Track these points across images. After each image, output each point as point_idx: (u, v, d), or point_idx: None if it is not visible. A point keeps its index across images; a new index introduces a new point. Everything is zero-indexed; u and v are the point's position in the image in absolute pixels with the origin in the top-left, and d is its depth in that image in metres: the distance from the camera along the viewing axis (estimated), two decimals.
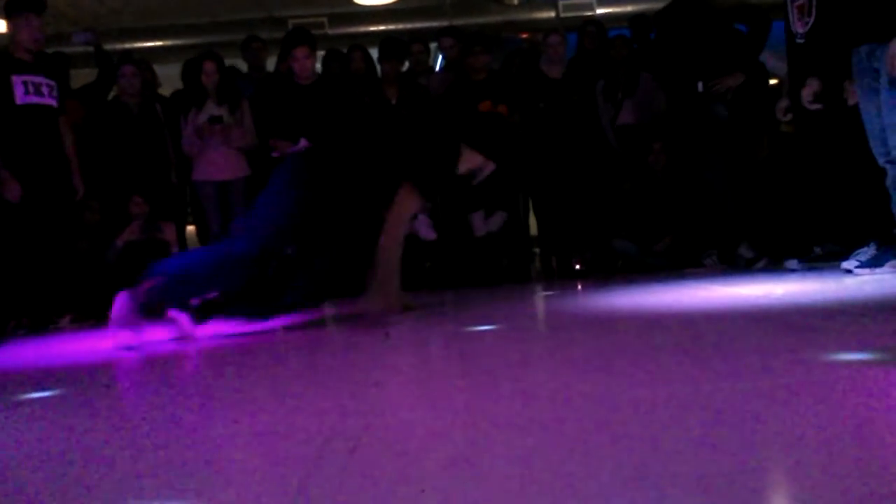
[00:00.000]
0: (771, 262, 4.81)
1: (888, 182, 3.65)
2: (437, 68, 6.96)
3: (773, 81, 5.76)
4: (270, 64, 6.45)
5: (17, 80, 4.60)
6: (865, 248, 3.83)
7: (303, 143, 5.38)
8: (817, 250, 4.53)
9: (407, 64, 6.20)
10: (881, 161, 3.65)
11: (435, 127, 3.68)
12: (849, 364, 1.84)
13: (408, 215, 3.45)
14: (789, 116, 4.57)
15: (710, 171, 5.18)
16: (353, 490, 1.17)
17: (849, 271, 3.80)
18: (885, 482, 1.02)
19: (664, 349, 2.31)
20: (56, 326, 4.59)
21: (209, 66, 5.44)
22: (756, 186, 5.24)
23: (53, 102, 4.74)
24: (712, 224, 5.42)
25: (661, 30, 5.53)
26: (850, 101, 3.90)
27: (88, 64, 6.40)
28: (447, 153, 3.46)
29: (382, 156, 3.41)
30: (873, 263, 3.74)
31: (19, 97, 4.61)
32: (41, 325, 4.57)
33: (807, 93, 3.97)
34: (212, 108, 5.43)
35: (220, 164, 5.43)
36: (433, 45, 6.92)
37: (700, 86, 5.13)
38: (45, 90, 4.70)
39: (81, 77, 6.42)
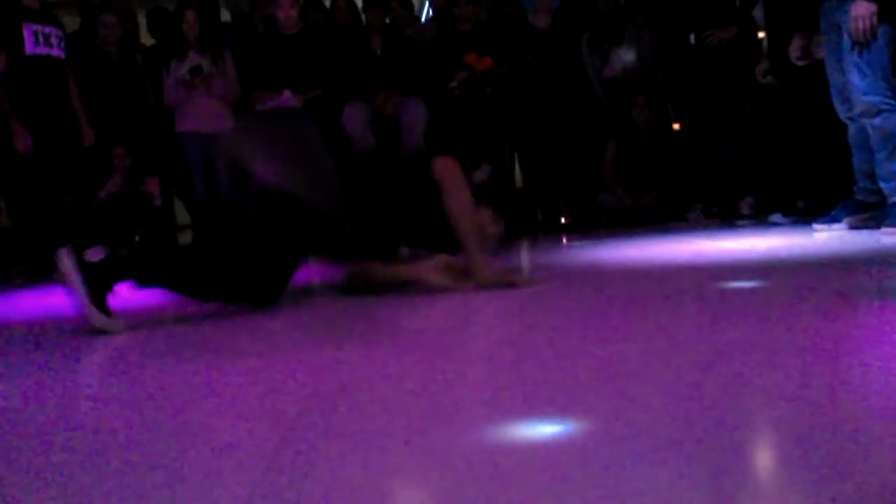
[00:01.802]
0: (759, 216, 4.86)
1: (850, 137, 3.71)
2: (424, 19, 6.88)
3: (761, 35, 5.73)
4: None
5: (27, 28, 4.48)
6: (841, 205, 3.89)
7: (286, 94, 5.32)
8: (800, 204, 4.56)
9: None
10: (842, 116, 3.73)
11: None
12: (825, 316, 1.86)
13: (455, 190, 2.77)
14: (769, 79, 4.59)
15: (708, 122, 5.20)
16: (337, 442, 1.18)
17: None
18: (856, 429, 1.05)
19: (645, 303, 2.33)
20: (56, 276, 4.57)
21: (190, 16, 5.34)
22: (743, 141, 5.26)
23: (62, 54, 4.64)
24: (701, 177, 5.43)
25: None
26: (817, 56, 3.93)
27: (70, 12, 6.28)
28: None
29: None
30: (831, 220, 3.81)
31: (28, 47, 4.50)
32: (42, 274, 4.55)
33: (794, 48, 3.98)
34: (194, 59, 5.35)
35: (203, 116, 5.36)
36: None
37: (692, 37, 5.14)
38: (54, 41, 4.59)
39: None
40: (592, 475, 0.96)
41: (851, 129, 3.72)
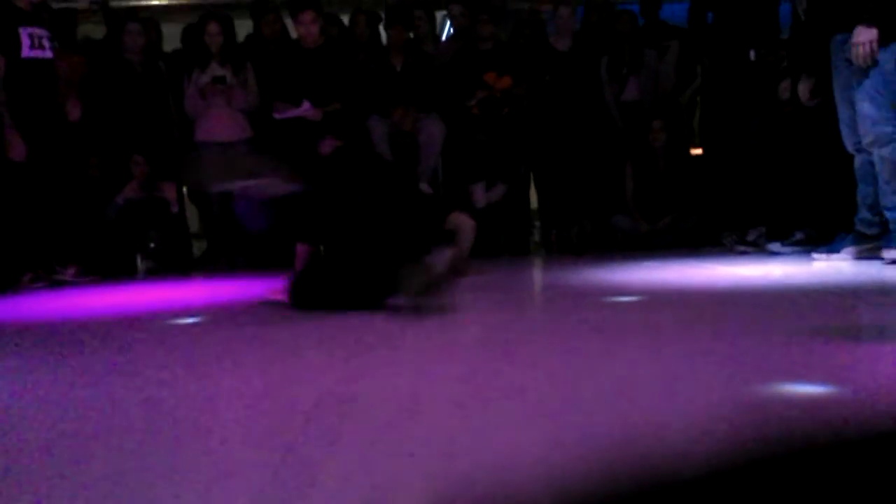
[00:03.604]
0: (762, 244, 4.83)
1: (856, 168, 3.75)
2: (444, 37, 6.91)
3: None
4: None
5: (23, 32, 4.52)
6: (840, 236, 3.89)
7: (306, 105, 5.35)
8: (799, 235, 4.54)
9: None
10: (849, 148, 3.77)
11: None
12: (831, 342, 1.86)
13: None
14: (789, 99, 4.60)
15: (756, 139, 5.15)
16: (341, 453, 1.18)
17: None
18: None
19: (656, 327, 2.32)
20: (61, 277, 4.58)
21: (213, 28, 5.40)
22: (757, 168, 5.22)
23: (52, 55, 4.69)
24: (721, 203, 5.39)
25: None
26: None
27: (94, 19, 6.36)
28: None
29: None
30: (830, 250, 3.84)
31: (25, 50, 4.54)
32: (48, 275, 4.57)
33: (802, 90, 4.05)
34: (215, 69, 5.41)
35: (222, 126, 5.40)
36: (442, 14, 6.85)
37: (752, 54, 5.14)
38: (45, 43, 4.63)
39: (84, 34, 6.37)
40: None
41: (857, 161, 3.76)
